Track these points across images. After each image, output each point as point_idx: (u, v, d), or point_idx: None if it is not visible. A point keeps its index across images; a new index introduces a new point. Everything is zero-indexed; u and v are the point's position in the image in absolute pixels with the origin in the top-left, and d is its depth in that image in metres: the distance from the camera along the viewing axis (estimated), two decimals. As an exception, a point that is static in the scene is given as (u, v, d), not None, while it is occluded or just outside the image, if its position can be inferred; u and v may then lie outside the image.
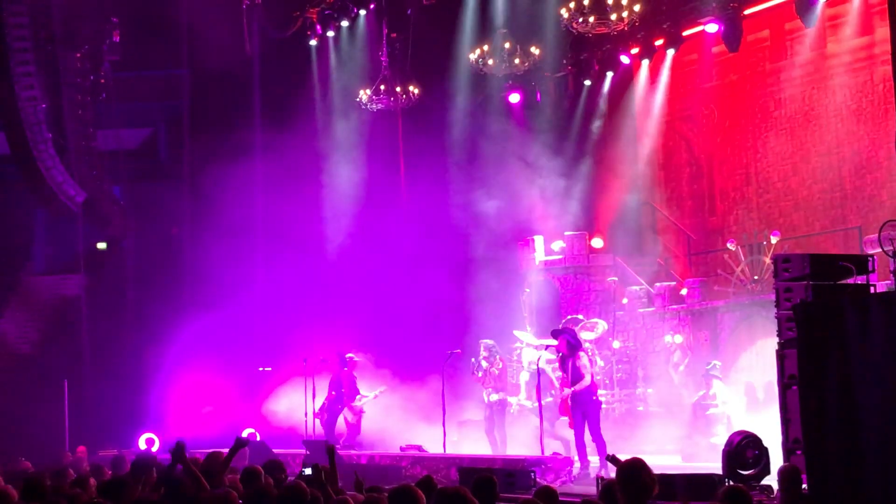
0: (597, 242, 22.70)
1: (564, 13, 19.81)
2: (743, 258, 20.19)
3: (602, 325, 20.57)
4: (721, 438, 15.03)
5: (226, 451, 9.83)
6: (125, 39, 26.96)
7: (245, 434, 21.84)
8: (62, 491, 9.32)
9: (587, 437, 15.74)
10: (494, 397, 18.81)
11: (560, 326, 17.24)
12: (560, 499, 8.75)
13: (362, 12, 24.88)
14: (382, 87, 23.79)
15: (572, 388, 15.65)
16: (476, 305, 22.41)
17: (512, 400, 19.79)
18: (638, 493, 6.17)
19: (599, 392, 17.49)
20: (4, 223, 27.96)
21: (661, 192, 24.31)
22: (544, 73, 24.14)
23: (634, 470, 6.27)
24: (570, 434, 17.11)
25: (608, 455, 10.22)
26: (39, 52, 25.67)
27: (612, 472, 12.97)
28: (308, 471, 9.07)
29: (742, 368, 19.42)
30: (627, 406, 20.49)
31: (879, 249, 12.78)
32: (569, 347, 15.89)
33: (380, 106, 23.86)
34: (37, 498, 8.86)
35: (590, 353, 20.07)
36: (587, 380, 15.73)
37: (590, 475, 14.97)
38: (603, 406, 17.03)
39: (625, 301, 21.81)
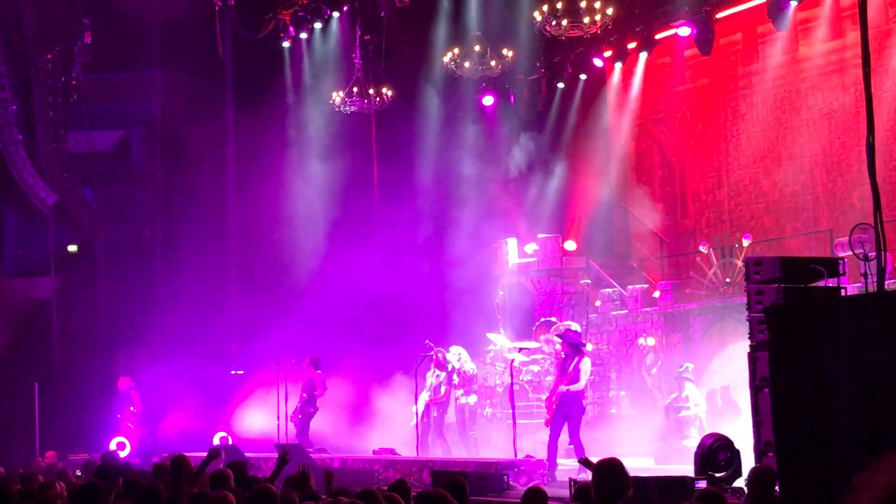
0: (570, 245, 22.73)
1: (538, 16, 19.83)
2: (715, 261, 20.26)
3: (575, 328, 20.57)
4: (693, 441, 15.07)
5: (195, 454, 9.78)
6: (97, 41, 26.76)
7: (217, 438, 21.78)
8: (31, 495, 9.24)
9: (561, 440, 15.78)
10: (463, 400, 18.82)
11: (564, 330, 17.33)
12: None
13: (335, 14, 24.82)
14: (356, 90, 23.74)
15: (571, 389, 15.59)
16: (450, 308, 22.41)
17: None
18: (613, 493, 6.15)
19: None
20: (-26, 226, 27.76)
21: (634, 195, 24.35)
22: (518, 76, 24.16)
23: (611, 470, 6.26)
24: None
25: (580, 458, 10.23)
26: (10, 53, 25.48)
27: (580, 474, 13.01)
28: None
29: (714, 371, 19.47)
30: (600, 409, 20.52)
31: (850, 252, 12.84)
32: (572, 349, 15.93)
33: (353, 108, 23.80)
34: (4, 502, 8.78)
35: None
36: (582, 384, 15.75)
37: (556, 478, 15.02)
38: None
39: (598, 303, 21.85)
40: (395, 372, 21.28)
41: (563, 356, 16.21)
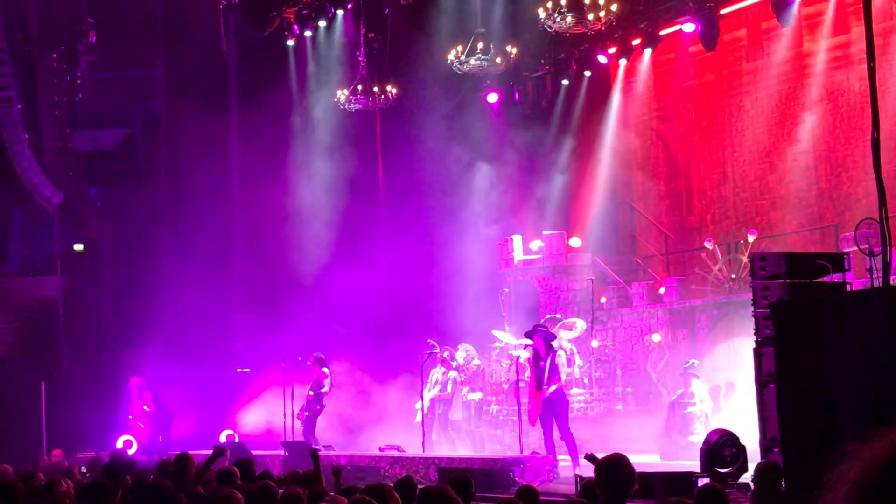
0: (575, 242, 22.72)
1: (542, 13, 19.81)
2: (720, 257, 20.25)
3: (581, 325, 20.58)
4: (699, 437, 15.08)
5: (201, 452, 9.80)
6: (101, 40, 26.79)
7: (224, 436, 21.81)
8: (37, 494, 9.26)
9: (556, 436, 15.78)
10: (470, 397, 18.84)
11: (532, 327, 17.21)
12: (541, 499, 8.74)
13: (340, 12, 24.83)
14: (360, 88, 23.73)
15: (556, 387, 15.61)
16: (455, 305, 22.40)
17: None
18: (618, 489, 6.15)
19: (576, 391, 17.53)
20: (-21, 225, 27.80)
21: (639, 192, 24.35)
22: (522, 73, 24.13)
23: (615, 465, 6.26)
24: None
25: (586, 454, 10.23)
26: (15, 52, 25.51)
27: (585, 469, 13.01)
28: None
29: (720, 367, 19.47)
30: (606, 405, 20.52)
31: (855, 247, 12.86)
32: (546, 346, 15.88)
33: (358, 106, 23.79)
34: (9, 502, 8.79)
35: (568, 353, 20.14)
36: (563, 378, 15.78)
37: (559, 474, 15.03)
38: (573, 405, 17.03)
39: (603, 300, 21.84)
40: (401, 370, 21.30)
41: (535, 352, 16.04)
